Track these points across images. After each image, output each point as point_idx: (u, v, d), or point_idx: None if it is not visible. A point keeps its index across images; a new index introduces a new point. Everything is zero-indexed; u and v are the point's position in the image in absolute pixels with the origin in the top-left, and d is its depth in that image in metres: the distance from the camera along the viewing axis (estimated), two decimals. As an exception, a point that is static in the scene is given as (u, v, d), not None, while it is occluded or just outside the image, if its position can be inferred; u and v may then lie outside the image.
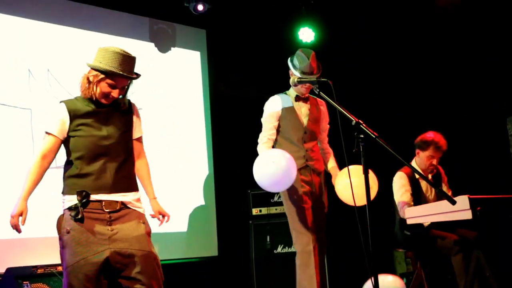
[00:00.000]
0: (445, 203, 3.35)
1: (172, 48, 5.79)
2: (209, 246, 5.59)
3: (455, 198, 3.30)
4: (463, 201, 3.26)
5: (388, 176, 4.45)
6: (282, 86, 4.12)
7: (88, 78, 2.76)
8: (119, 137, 2.79)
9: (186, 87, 5.75)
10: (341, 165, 4.05)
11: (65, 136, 2.76)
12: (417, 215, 3.80)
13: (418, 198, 4.27)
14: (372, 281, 2.45)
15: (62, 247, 2.65)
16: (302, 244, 3.88)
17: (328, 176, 4.14)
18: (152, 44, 5.63)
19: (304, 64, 3.85)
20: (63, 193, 2.75)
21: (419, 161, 4.38)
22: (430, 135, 4.33)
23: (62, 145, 2.80)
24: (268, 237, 5.22)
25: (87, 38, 5.13)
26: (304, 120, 4.03)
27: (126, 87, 2.86)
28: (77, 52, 5.00)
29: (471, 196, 3.23)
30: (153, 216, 2.95)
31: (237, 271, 5.33)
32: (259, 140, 4.07)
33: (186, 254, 5.41)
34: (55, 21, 4.96)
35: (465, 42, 5.89)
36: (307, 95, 4.09)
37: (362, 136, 2.54)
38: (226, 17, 5.92)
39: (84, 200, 2.65)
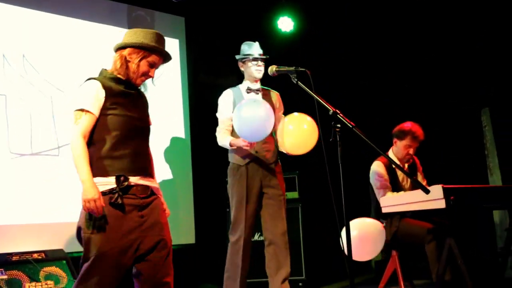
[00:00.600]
0: (419, 192, 3.41)
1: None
2: (187, 233, 5.60)
3: (429, 188, 3.37)
4: (437, 190, 3.32)
5: (367, 165, 4.52)
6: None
7: (125, 58, 2.69)
8: (146, 121, 2.78)
9: (164, 75, 5.71)
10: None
11: (99, 113, 2.61)
12: (391, 204, 3.86)
13: (394, 186, 4.34)
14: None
15: (91, 232, 2.50)
16: (236, 234, 4.08)
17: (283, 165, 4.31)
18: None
19: (252, 46, 4.17)
20: (93, 175, 2.53)
21: (396, 150, 4.45)
22: (407, 125, 4.40)
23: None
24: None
25: (63, 24, 5.06)
26: None
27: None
28: (53, 38, 4.94)
29: (445, 186, 3.29)
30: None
31: (213, 259, 5.34)
32: (216, 133, 4.21)
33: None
34: (30, 6, 4.87)
35: (441, 36, 5.95)
36: (259, 86, 4.24)
37: (339, 125, 2.57)
38: (205, 4, 5.89)
39: (122, 185, 2.54)
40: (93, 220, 2.49)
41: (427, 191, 2.60)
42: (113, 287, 2.56)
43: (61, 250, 4.38)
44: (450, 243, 3.56)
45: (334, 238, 3.58)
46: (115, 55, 2.74)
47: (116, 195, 2.51)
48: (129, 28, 5.53)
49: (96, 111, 2.60)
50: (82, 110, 2.59)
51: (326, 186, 2.75)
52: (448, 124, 5.84)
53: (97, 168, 2.56)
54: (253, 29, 5.86)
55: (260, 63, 4.19)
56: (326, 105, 2.63)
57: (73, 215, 4.74)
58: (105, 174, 2.56)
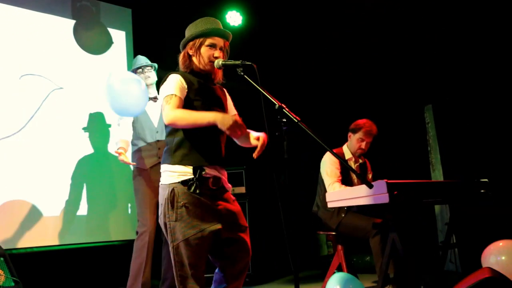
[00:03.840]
0: (364, 187, 3.45)
1: (95, 27, 5.61)
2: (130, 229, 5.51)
3: (373, 183, 3.41)
4: (381, 185, 3.35)
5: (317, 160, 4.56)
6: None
7: (187, 53, 2.85)
8: (223, 113, 2.81)
9: (110, 67, 5.59)
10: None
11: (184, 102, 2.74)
12: (337, 198, 3.88)
13: (345, 181, 4.41)
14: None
15: (175, 219, 2.65)
16: (140, 229, 4.25)
17: None
18: (75, 22, 5.43)
19: (138, 59, 4.51)
20: (172, 163, 2.71)
21: (349, 144, 4.57)
22: (363, 120, 4.56)
23: None
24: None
25: (5, 13, 4.90)
26: (155, 120, 4.41)
27: (227, 50, 2.89)
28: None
29: (388, 181, 3.33)
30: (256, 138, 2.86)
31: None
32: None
33: (109, 237, 5.36)
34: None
35: (385, 34, 6.04)
36: (155, 94, 4.49)
37: (284, 120, 2.57)
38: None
39: (200, 175, 2.66)
40: (175, 209, 2.65)
41: (370, 186, 2.64)
42: (203, 267, 2.70)
43: (-3, 247, 4.23)
44: (394, 237, 3.61)
45: (281, 233, 3.58)
46: (179, 55, 2.89)
47: (194, 185, 2.65)
48: (73, 18, 5.40)
49: (182, 95, 2.73)
50: (169, 94, 2.70)
51: (273, 181, 2.76)
52: (392, 120, 5.96)
53: (177, 157, 2.71)
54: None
55: (146, 69, 4.53)
56: (272, 99, 2.62)
57: (10, 211, 4.62)
58: (184, 163, 2.69)
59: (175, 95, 2.70)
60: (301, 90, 6.45)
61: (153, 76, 4.54)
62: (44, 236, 4.87)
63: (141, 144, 4.39)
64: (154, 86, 4.55)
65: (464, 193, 3.82)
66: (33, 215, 4.82)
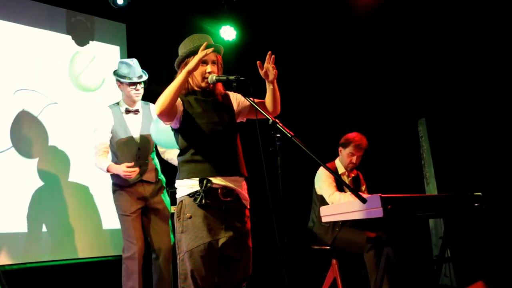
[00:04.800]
0: (358, 202, 3.45)
1: (90, 42, 5.62)
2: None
3: (367, 197, 3.41)
4: (375, 199, 3.36)
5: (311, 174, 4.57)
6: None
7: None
8: (228, 124, 2.84)
9: (106, 83, 5.59)
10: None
11: (180, 121, 2.76)
12: (331, 213, 3.88)
13: (340, 193, 4.41)
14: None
15: (181, 231, 2.69)
16: (128, 251, 4.07)
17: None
18: (70, 37, 5.44)
19: (131, 68, 4.13)
20: (181, 178, 2.75)
21: (341, 159, 4.57)
22: (352, 134, 4.54)
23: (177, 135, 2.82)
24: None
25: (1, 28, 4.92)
26: (136, 134, 4.16)
27: (221, 63, 2.89)
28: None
29: (382, 195, 3.33)
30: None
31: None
32: (93, 154, 4.15)
33: (107, 252, 5.33)
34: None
35: (378, 47, 6.08)
36: (138, 107, 4.21)
37: (278, 135, 2.57)
38: (146, 11, 5.81)
39: (206, 187, 2.67)
40: (181, 220, 2.69)
41: (364, 201, 2.63)
42: (211, 279, 2.71)
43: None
44: (388, 252, 3.61)
45: (277, 248, 3.57)
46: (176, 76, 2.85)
47: (200, 196, 2.66)
48: (68, 33, 5.41)
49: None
50: None
51: (269, 196, 2.75)
52: (386, 134, 5.96)
53: (183, 172, 2.75)
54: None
55: (138, 86, 4.15)
56: (266, 114, 2.63)
57: (4, 226, 4.59)
58: (189, 176, 2.72)
59: None
60: (295, 104, 6.45)
61: (142, 91, 4.20)
62: (37, 251, 4.83)
63: (121, 160, 4.09)
64: (140, 100, 4.27)
65: (457, 206, 3.82)
66: (29, 230, 4.79)
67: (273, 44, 6.43)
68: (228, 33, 6.14)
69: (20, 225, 4.76)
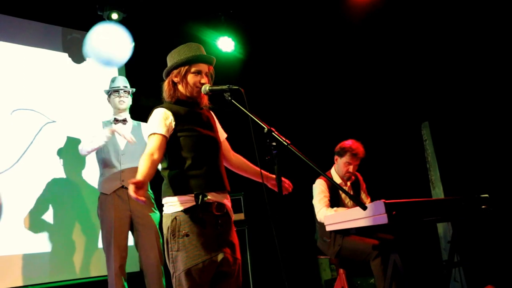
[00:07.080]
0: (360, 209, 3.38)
1: (87, 58, 5.59)
2: (131, 261, 5.41)
3: (371, 203, 3.35)
4: (379, 205, 3.29)
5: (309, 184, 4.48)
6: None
7: (171, 81, 2.83)
8: (216, 137, 2.85)
9: (101, 99, 5.55)
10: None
11: (171, 134, 2.71)
12: (335, 221, 3.82)
13: (336, 204, 4.32)
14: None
15: (177, 250, 2.61)
16: (110, 267, 4.12)
17: None
18: (66, 54, 5.42)
19: (116, 80, 4.47)
20: (173, 194, 2.66)
21: (337, 168, 4.45)
22: (348, 142, 4.42)
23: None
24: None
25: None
26: (122, 142, 4.30)
27: (212, 75, 2.89)
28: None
29: (386, 201, 3.27)
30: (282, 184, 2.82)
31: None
32: (82, 145, 4.31)
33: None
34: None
35: (381, 50, 6.04)
36: (125, 117, 4.43)
37: (274, 143, 2.52)
38: (142, 25, 5.78)
39: (203, 201, 2.62)
40: (177, 238, 2.60)
41: (364, 208, 2.56)
42: None
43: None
44: (395, 258, 3.54)
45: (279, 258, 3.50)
46: (164, 84, 2.88)
47: (197, 211, 2.61)
48: (64, 51, 5.39)
49: (166, 132, 2.69)
50: (152, 133, 2.69)
51: (271, 206, 2.70)
52: (389, 139, 5.90)
53: (177, 187, 2.67)
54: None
55: (122, 94, 4.40)
56: (261, 123, 2.57)
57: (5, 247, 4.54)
58: (184, 192, 2.65)
59: (157, 133, 2.67)
60: (296, 110, 6.41)
61: (127, 101, 4.43)
62: (32, 273, 4.77)
63: (105, 166, 4.25)
64: (128, 110, 4.47)
65: (465, 209, 3.74)
66: (27, 251, 4.74)
67: (271, 54, 6.42)
68: (226, 44, 6.11)
69: (19, 247, 4.71)
